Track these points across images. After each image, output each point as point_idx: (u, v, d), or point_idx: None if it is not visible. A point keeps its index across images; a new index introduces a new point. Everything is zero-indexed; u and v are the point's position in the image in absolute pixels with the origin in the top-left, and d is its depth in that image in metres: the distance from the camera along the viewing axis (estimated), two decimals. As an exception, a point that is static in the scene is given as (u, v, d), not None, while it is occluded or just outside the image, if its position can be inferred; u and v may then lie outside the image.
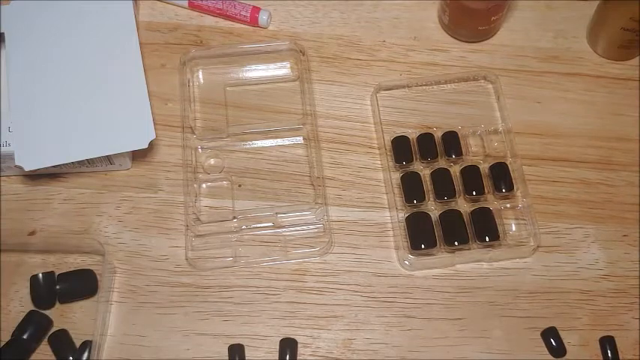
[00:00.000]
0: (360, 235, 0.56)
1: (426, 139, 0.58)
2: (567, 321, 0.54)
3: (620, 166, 0.59)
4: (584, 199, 0.58)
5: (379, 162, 0.59)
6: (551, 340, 0.53)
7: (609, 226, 0.57)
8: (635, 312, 0.54)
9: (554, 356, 0.53)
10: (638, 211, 0.57)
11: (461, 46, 0.63)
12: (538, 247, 0.55)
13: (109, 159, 0.56)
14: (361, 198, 0.57)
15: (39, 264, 0.55)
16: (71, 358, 0.52)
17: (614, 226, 0.57)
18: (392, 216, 0.56)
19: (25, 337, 0.52)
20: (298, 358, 0.53)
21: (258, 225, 0.56)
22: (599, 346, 0.53)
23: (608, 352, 0.53)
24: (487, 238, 0.54)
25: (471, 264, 0.55)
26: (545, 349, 0.53)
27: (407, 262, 0.55)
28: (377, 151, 0.59)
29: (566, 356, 0.53)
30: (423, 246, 0.54)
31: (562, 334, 0.53)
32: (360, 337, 0.53)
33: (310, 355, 0.53)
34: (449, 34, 0.63)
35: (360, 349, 0.53)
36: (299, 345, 0.53)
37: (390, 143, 0.58)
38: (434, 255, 0.55)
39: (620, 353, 0.53)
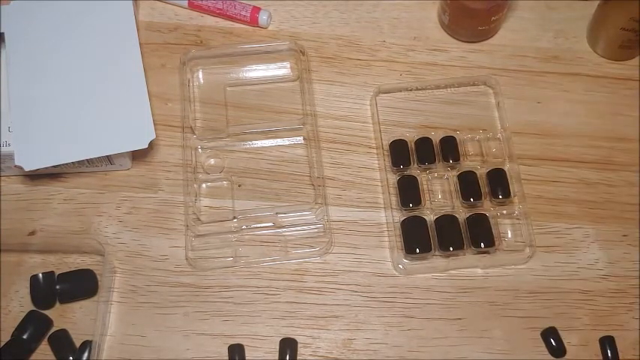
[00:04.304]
0: (360, 235, 0.56)
1: (424, 143, 0.58)
2: (567, 321, 0.54)
3: (620, 166, 0.59)
4: (584, 199, 0.58)
5: (379, 162, 0.59)
6: (551, 340, 0.53)
7: (609, 226, 0.57)
8: (635, 312, 0.54)
9: (554, 356, 0.53)
10: (638, 211, 0.57)
11: (461, 46, 0.63)
12: (533, 254, 0.55)
13: (109, 159, 0.56)
14: (361, 198, 0.57)
15: (39, 264, 0.55)
16: (71, 358, 0.52)
17: (614, 226, 0.57)
18: (387, 220, 0.56)
19: (25, 337, 0.52)
20: (298, 358, 0.53)
21: (258, 225, 0.56)
22: (599, 346, 0.53)
23: (608, 352, 0.53)
24: (482, 244, 0.54)
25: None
26: (545, 349, 0.53)
27: (401, 266, 0.55)
28: (377, 152, 0.59)
29: (566, 356, 0.53)
30: (417, 250, 0.54)
31: (562, 334, 0.53)
32: (359, 337, 0.53)
33: (310, 355, 0.53)
34: (449, 34, 0.63)
35: (360, 349, 0.53)
36: (299, 345, 0.53)
37: (388, 146, 0.58)
38: (428, 259, 0.55)
39: (620, 353, 0.53)
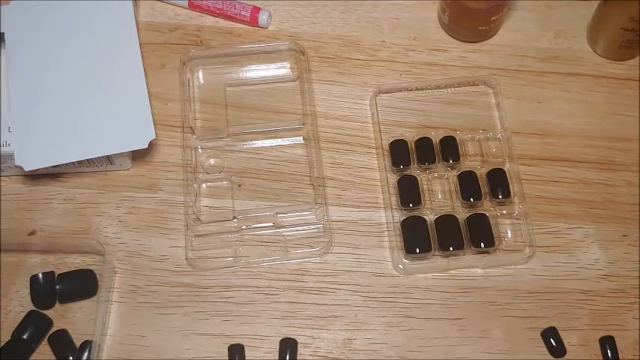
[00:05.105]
0: (360, 235, 0.56)
1: (424, 143, 0.58)
2: (567, 321, 0.54)
3: (620, 166, 0.59)
4: (584, 199, 0.58)
5: (379, 162, 0.59)
6: (551, 340, 0.53)
7: (609, 226, 0.57)
8: (635, 312, 0.54)
9: (554, 356, 0.53)
10: (638, 211, 0.57)
11: (461, 46, 0.63)
12: (533, 254, 0.55)
13: (109, 159, 0.56)
14: (361, 198, 0.57)
15: (39, 264, 0.55)
16: (71, 358, 0.52)
17: (614, 226, 0.57)
18: (387, 220, 0.56)
19: (25, 337, 0.52)
20: (298, 358, 0.53)
21: (258, 225, 0.56)
22: (599, 346, 0.53)
23: (608, 352, 0.53)
24: (482, 244, 0.54)
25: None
26: (545, 349, 0.53)
27: (401, 266, 0.55)
28: (377, 152, 0.59)
29: (566, 356, 0.53)
30: (417, 250, 0.54)
31: (562, 334, 0.53)
32: (359, 337, 0.53)
33: (310, 355, 0.53)
34: (449, 34, 0.63)
35: (360, 349, 0.53)
36: (299, 345, 0.53)
37: (388, 146, 0.58)
38: (428, 259, 0.55)
39: (620, 353, 0.53)
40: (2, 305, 0.54)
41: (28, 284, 0.53)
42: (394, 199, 0.56)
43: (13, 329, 0.52)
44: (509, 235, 0.56)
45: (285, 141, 0.59)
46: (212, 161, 0.58)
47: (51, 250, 0.55)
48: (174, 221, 0.56)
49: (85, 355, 0.52)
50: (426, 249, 0.54)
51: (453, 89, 0.61)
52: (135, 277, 0.55)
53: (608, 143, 0.60)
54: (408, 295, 0.55)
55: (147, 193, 0.57)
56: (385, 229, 0.56)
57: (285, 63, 0.62)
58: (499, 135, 0.59)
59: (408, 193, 0.56)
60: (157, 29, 0.63)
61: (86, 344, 0.52)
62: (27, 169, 0.53)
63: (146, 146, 0.54)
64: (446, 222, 0.55)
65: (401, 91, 0.61)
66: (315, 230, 0.56)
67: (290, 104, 0.60)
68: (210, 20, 0.64)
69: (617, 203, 0.58)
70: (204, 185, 0.58)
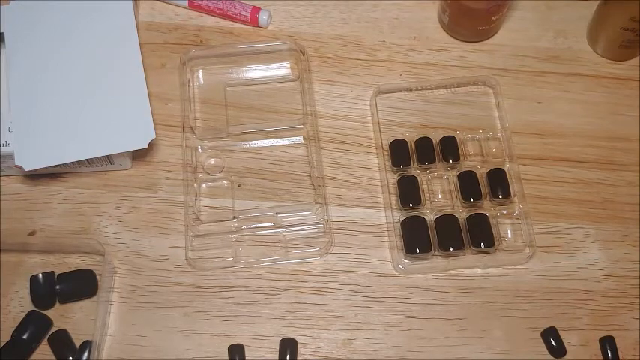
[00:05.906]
0: (360, 235, 0.56)
1: (424, 143, 0.58)
2: (567, 321, 0.54)
3: (620, 166, 0.59)
4: (584, 199, 0.58)
5: (379, 162, 0.59)
6: (551, 340, 0.53)
7: (609, 226, 0.57)
8: (635, 312, 0.54)
9: (554, 356, 0.53)
10: (638, 211, 0.57)
11: (461, 46, 0.63)
12: (533, 254, 0.55)
13: (109, 159, 0.56)
14: (361, 198, 0.57)
15: (39, 264, 0.55)
16: (71, 358, 0.52)
17: (614, 226, 0.57)
18: (387, 220, 0.56)
19: (25, 337, 0.52)
20: (298, 358, 0.53)
21: (258, 225, 0.56)
22: (599, 346, 0.53)
23: (608, 352, 0.53)
24: (482, 244, 0.54)
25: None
26: (545, 349, 0.53)
27: (401, 266, 0.55)
28: (377, 152, 0.59)
29: (566, 356, 0.53)
30: (417, 250, 0.54)
31: (562, 334, 0.53)
32: (359, 337, 0.53)
33: (310, 355, 0.53)
34: (449, 34, 0.63)
35: (360, 349, 0.53)
36: (299, 345, 0.53)
37: (388, 146, 0.58)
38: (428, 259, 0.55)
39: (620, 353, 0.53)
40: (2, 305, 0.54)
41: (28, 284, 0.53)
42: (394, 199, 0.56)
43: (13, 329, 0.52)
44: (509, 235, 0.56)
45: (285, 141, 0.59)
46: (212, 161, 0.58)
47: (51, 250, 0.55)
48: (174, 221, 0.56)
49: (85, 355, 0.52)
50: (426, 249, 0.54)
51: (453, 89, 0.61)
52: (135, 277, 0.55)
53: (608, 143, 0.60)
54: (408, 295, 0.55)
55: (147, 193, 0.57)
56: (385, 229, 0.56)
57: (285, 63, 0.62)
58: (499, 135, 0.59)
59: (408, 193, 0.56)
60: (157, 29, 0.63)
61: (86, 344, 0.52)
62: (27, 169, 0.53)
63: (146, 146, 0.54)
64: (446, 222, 0.55)
65: (401, 91, 0.61)
66: (315, 230, 0.56)
67: (290, 104, 0.60)
68: (210, 20, 0.64)
69: (617, 203, 0.58)
70: (204, 185, 0.58)
